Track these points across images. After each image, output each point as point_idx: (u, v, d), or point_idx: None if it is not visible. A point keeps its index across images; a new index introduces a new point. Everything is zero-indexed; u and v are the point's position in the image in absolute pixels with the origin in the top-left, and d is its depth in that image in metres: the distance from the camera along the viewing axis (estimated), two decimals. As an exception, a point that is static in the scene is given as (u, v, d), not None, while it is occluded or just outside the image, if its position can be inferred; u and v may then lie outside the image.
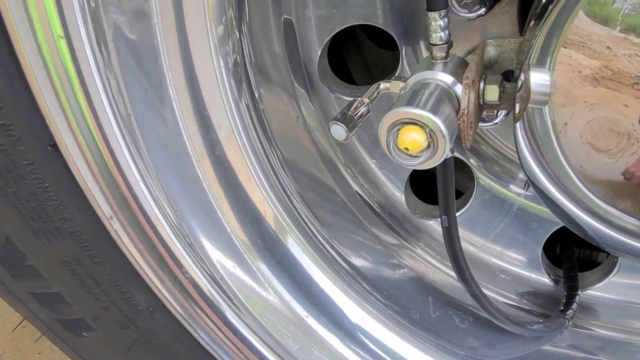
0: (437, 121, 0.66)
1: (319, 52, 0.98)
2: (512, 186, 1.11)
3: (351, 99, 1.04)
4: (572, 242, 1.21)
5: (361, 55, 1.33)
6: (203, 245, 0.81)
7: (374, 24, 0.93)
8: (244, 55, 0.86)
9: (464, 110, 0.69)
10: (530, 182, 0.82)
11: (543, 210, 1.10)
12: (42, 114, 0.67)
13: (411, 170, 1.11)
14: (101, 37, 0.66)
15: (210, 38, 0.76)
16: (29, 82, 0.65)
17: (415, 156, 0.68)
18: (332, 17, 0.94)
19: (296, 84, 1.01)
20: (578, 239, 1.23)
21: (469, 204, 1.11)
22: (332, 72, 1.07)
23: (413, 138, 0.67)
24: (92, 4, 0.64)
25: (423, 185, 1.21)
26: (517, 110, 0.72)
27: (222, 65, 0.80)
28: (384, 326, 0.99)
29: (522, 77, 0.69)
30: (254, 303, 0.86)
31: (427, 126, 0.66)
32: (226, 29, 0.79)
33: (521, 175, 1.11)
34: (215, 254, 0.83)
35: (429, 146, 0.67)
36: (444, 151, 0.68)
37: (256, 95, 0.91)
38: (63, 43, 0.61)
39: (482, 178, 1.09)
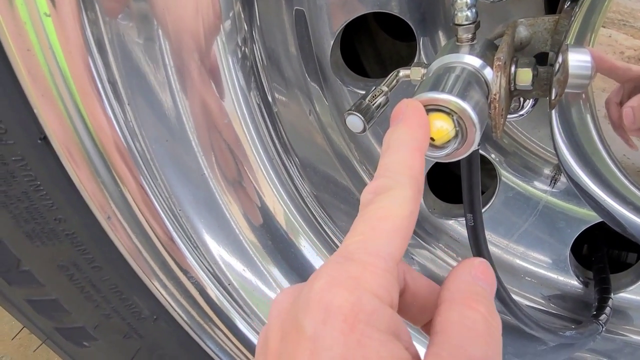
0: (467, 107, 0.59)
1: (332, 43, 0.92)
2: (537, 183, 1.05)
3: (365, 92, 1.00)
4: (602, 242, 1.14)
5: (375, 48, 1.27)
6: (209, 246, 0.75)
7: (390, 12, 0.87)
8: (253, 49, 0.80)
9: (495, 95, 0.62)
10: (567, 176, 0.75)
11: (571, 208, 1.04)
12: (30, 104, 0.60)
13: (429, 167, 1.05)
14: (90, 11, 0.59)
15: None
16: (13, 67, 0.58)
17: (441, 147, 0.61)
18: (344, 5, 0.88)
19: (309, 78, 0.95)
20: (608, 238, 1.17)
21: (491, 202, 1.05)
22: (345, 65, 1.01)
23: (439, 127, 0.60)
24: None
25: (441, 182, 1.15)
26: (553, 96, 0.65)
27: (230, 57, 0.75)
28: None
29: (559, 59, 0.62)
30: (265, 308, 0.80)
31: (455, 113, 0.60)
32: (234, 23, 0.74)
33: (547, 171, 1.04)
34: (223, 256, 0.77)
35: (456, 135, 0.61)
36: (474, 141, 0.61)
37: (266, 87, 0.85)
38: (49, 21, 0.55)
39: (505, 174, 1.03)
